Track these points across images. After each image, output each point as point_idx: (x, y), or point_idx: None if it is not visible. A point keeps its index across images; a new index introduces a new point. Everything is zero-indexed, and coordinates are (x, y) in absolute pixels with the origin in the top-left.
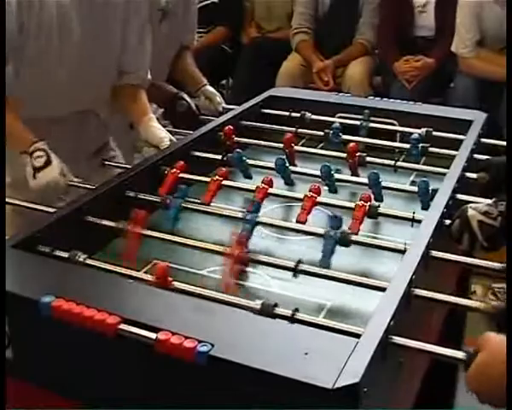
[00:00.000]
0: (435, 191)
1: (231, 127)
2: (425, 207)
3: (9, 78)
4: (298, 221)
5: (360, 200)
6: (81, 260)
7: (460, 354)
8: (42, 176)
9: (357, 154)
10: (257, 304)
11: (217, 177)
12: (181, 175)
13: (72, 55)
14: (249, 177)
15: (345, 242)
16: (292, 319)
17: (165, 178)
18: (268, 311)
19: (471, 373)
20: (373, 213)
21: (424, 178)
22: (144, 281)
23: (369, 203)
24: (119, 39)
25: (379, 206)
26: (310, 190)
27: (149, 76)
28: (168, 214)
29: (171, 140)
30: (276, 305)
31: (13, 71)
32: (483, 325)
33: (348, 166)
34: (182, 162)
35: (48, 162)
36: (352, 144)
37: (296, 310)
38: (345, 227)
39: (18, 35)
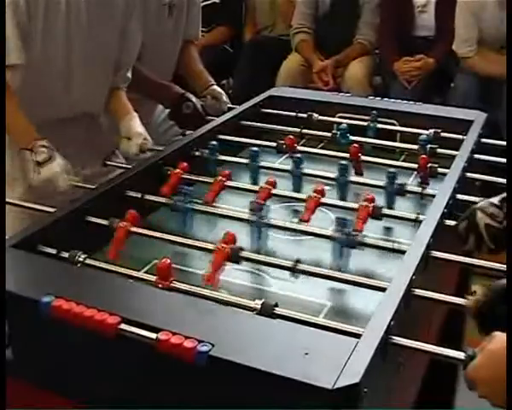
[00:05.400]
0: (402, 185)
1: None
2: (390, 201)
3: (14, 47)
4: (302, 220)
5: (364, 200)
6: (81, 259)
7: (461, 355)
8: (45, 170)
9: (359, 155)
10: (257, 304)
11: (220, 177)
12: (184, 176)
13: (80, 41)
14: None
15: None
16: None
17: (168, 178)
18: (268, 311)
19: (472, 367)
20: (377, 214)
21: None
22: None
23: (372, 204)
24: (120, 30)
25: (382, 207)
26: (314, 191)
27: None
28: (184, 218)
29: (146, 139)
30: (276, 305)
31: (18, 42)
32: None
33: (352, 167)
34: (185, 163)
35: (51, 157)
36: (354, 145)
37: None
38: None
39: (28, 21)
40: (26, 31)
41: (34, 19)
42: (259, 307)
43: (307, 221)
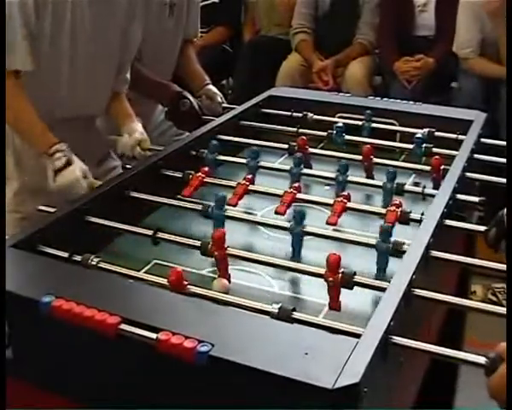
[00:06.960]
0: (400, 185)
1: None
2: (386, 200)
3: (24, 51)
4: (328, 223)
5: (392, 205)
6: (94, 263)
7: (481, 360)
8: (62, 177)
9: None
10: (274, 308)
11: (244, 181)
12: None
13: (84, 41)
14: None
15: (397, 253)
16: None
17: (189, 181)
18: (285, 315)
19: (497, 380)
20: (404, 219)
21: (391, 170)
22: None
23: (400, 209)
24: (122, 30)
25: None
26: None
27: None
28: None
29: (145, 138)
30: (294, 309)
31: (28, 47)
32: (483, 325)
33: (364, 169)
34: (206, 168)
35: (68, 163)
36: (367, 147)
37: None
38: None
39: (35, 20)
40: (35, 32)
41: (42, 19)
42: (277, 311)
43: (335, 224)
